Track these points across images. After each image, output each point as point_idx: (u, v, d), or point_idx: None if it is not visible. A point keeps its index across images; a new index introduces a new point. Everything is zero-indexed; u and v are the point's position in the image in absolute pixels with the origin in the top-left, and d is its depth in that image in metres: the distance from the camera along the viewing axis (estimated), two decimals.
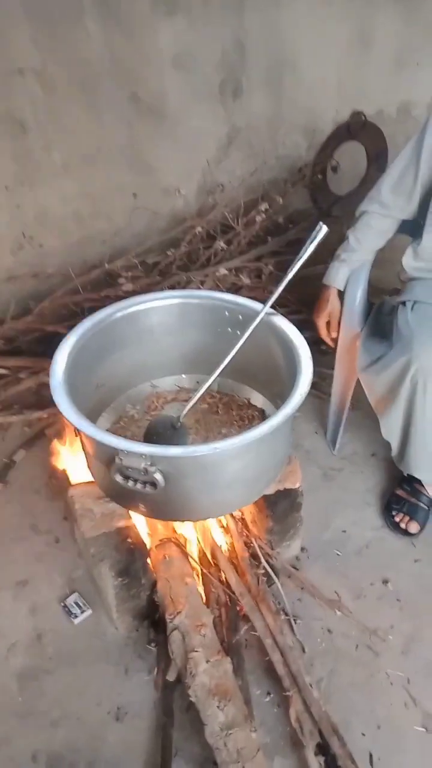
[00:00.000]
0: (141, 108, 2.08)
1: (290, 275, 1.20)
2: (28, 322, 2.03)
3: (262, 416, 1.41)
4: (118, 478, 1.04)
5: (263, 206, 2.20)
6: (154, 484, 1.02)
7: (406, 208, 1.48)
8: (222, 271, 2.10)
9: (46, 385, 1.16)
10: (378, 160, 2.35)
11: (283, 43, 2.24)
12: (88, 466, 1.26)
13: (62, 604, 1.42)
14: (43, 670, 1.31)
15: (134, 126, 2.09)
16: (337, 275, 1.58)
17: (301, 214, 2.38)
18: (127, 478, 1.04)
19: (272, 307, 1.23)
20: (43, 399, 1.93)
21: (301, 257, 1.20)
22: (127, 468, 1.02)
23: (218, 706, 1.08)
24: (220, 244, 2.16)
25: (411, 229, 1.52)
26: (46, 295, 2.07)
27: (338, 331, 1.63)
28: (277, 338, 1.26)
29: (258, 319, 1.21)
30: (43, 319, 2.05)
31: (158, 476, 1.01)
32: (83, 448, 1.24)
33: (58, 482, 1.64)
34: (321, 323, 1.62)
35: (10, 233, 2.04)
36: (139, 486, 1.04)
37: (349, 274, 1.58)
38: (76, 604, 1.41)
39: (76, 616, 1.39)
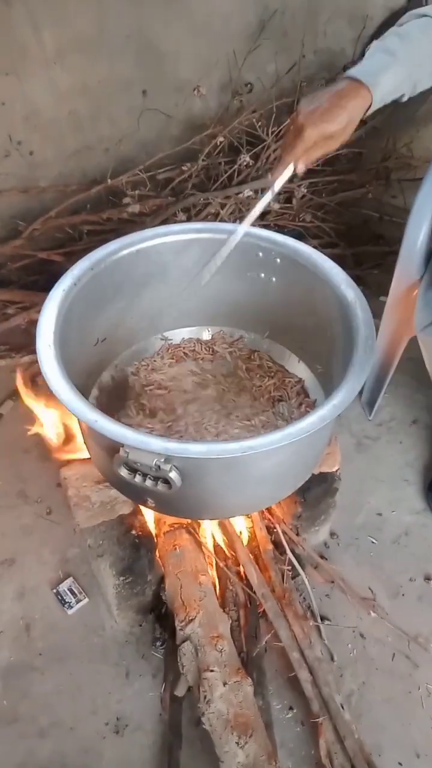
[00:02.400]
0: None
1: None
2: (16, 246, 1.73)
3: (297, 382, 1.17)
4: (123, 473, 0.82)
5: None
6: (167, 482, 0.80)
7: None
8: (247, 192, 1.77)
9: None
10: None
11: None
12: (86, 447, 1.02)
13: (54, 590, 1.23)
14: (32, 668, 1.14)
15: (144, 3, 1.68)
16: (372, 67, 0.86)
17: None
18: (134, 471, 0.82)
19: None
20: (35, 339, 1.66)
21: None
22: (134, 462, 0.79)
23: (237, 743, 0.90)
24: (246, 158, 1.80)
25: None
26: (39, 214, 1.75)
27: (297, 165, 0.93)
28: (328, 290, 0.99)
29: None
30: (35, 244, 1.76)
31: (173, 475, 0.79)
32: (80, 426, 1.00)
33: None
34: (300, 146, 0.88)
35: None
36: (149, 483, 0.82)
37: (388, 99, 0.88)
38: (71, 591, 1.22)
39: (70, 606, 1.20)
